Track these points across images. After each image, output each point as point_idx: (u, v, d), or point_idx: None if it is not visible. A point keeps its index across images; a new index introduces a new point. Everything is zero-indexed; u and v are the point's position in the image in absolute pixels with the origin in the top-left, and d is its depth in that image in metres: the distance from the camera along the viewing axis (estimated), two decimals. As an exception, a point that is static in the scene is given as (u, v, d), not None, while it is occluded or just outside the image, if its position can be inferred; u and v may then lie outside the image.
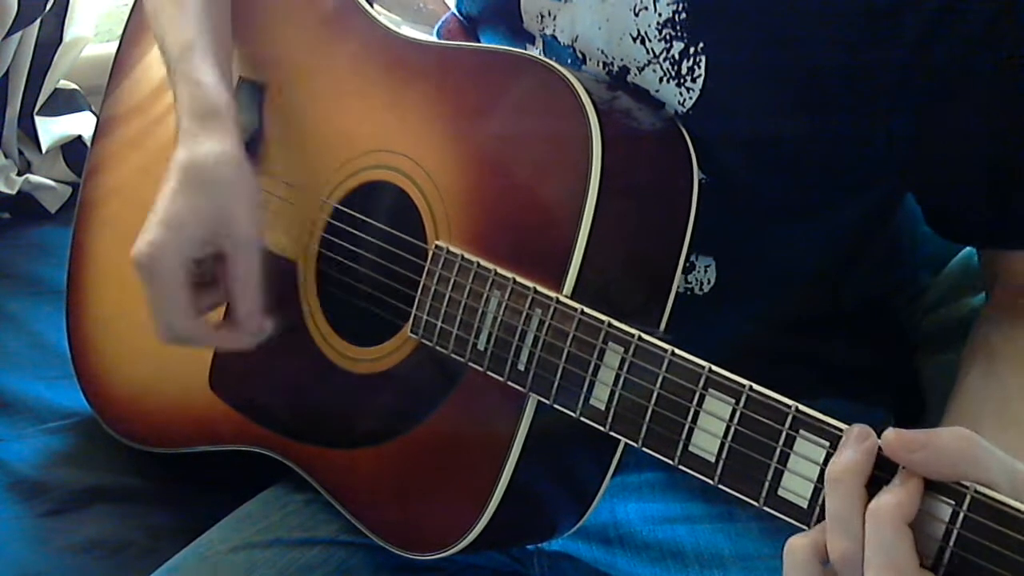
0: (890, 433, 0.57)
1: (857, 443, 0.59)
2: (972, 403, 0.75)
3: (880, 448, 0.58)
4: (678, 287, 0.78)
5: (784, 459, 0.63)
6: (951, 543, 0.57)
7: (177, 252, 0.83)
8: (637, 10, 0.80)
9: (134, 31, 1.12)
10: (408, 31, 0.89)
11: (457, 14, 0.99)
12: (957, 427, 0.57)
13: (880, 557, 0.56)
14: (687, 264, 0.83)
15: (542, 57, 0.80)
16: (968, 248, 0.98)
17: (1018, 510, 0.56)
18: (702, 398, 0.66)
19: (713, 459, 0.66)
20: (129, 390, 1.07)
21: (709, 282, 0.87)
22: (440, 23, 1.01)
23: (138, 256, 0.83)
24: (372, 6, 0.92)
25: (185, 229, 0.83)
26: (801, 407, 0.63)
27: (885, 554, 0.56)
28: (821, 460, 0.62)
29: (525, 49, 0.89)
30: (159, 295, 0.84)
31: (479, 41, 0.96)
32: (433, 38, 0.99)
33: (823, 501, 0.61)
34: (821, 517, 0.61)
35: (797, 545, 0.60)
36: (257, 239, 0.86)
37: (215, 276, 0.86)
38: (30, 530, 1.03)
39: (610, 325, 0.71)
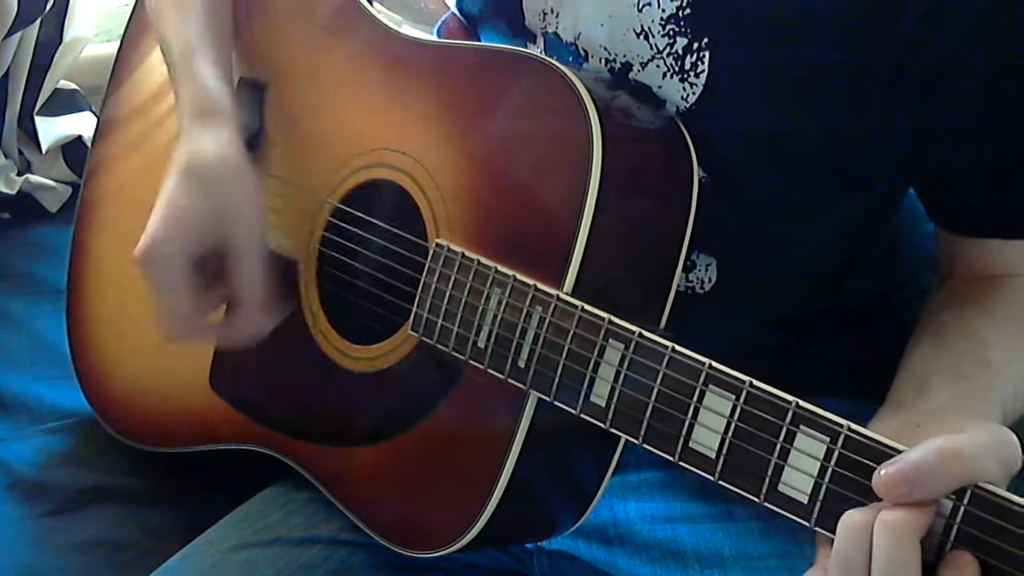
0: (877, 479, 0.58)
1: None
2: (922, 365, 0.75)
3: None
4: (678, 285, 0.78)
5: (784, 455, 0.63)
6: (952, 538, 0.58)
7: (180, 250, 0.83)
8: (641, 6, 0.80)
9: (135, 31, 1.12)
10: (408, 30, 0.89)
11: (457, 13, 0.99)
12: (935, 443, 0.58)
13: (886, 571, 0.57)
14: (687, 262, 0.83)
15: (543, 56, 0.80)
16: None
17: (1018, 504, 0.56)
18: (702, 394, 0.67)
19: (713, 455, 0.66)
20: (129, 390, 1.07)
21: (710, 280, 0.87)
22: (440, 22, 1.01)
23: (142, 254, 0.84)
24: (372, 5, 0.92)
25: (188, 227, 0.83)
26: (802, 403, 0.63)
27: (891, 570, 0.57)
28: (822, 456, 0.62)
29: (526, 47, 0.90)
30: (162, 292, 0.84)
31: (479, 40, 0.96)
32: (434, 37, 0.99)
33: (823, 497, 0.62)
34: (821, 513, 0.62)
35: None
36: (259, 237, 0.86)
37: (217, 274, 0.86)
38: (30, 530, 1.03)
39: (610, 322, 0.71)
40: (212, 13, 0.93)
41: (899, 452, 0.59)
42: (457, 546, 0.79)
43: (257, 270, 0.85)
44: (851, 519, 0.59)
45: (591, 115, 0.74)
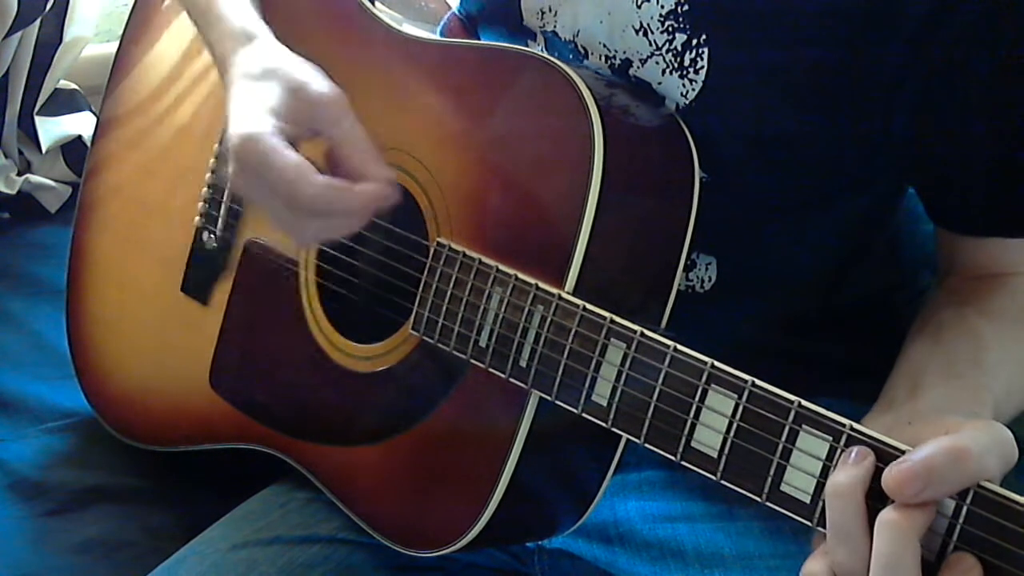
0: (888, 479, 0.58)
1: (857, 461, 0.60)
2: (916, 363, 0.75)
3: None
4: (679, 285, 0.78)
5: (787, 455, 0.63)
6: (954, 538, 0.58)
7: (273, 132, 0.78)
8: (639, 2, 0.81)
9: (134, 31, 1.12)
10: (409, 29, 0.89)
11: (458, 13, 0.99)
12: (942, 443, 0.58)
13: (886, 571, 0.57)
14: (688, 262, 0.83)
15: (544, 54, 0.80)
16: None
17: (1020, 504, 0.56)
18: (704, 394, 0.67)
19: (715, 455, 0.66)
20: (129, 389, 1.07)
21: (710, 280, 0.87)
22: (442, 24, 1.01)
23: (240, 148, 0.78)
24: (374, 4, 0.92)
25: (272, 110, 0.79)
26: (804, 402, 0.63)
27: (891, 569, 0.57)
28: (824, 455, 0.62)
29: (526, 46, 0.90)
30: (276, 181, 0.77)
31: (479, 39, 0.96)
32: (434, 36, 0.99)
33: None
34: (823, 513, 0.62)
35: (814, 570, 0.61)
36: (342, 97, 0.81)
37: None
38: (30, 530, 1.03)
39: (612, 321, 0.71)
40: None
41: (901, 452, 0.59)
42: (458, 545, 0.79)
43: (358, 129, 0.81)
44: (835, 484, 0.60)
45: (592, 114, 0.74)
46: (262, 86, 0.81)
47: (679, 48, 0.80)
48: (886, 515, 0.57)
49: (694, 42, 0.79)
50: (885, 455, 0.60)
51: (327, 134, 0.81)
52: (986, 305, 0.80)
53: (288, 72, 0.82)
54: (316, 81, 0.81)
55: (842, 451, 0.61)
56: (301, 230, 0.81)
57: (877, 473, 0.59)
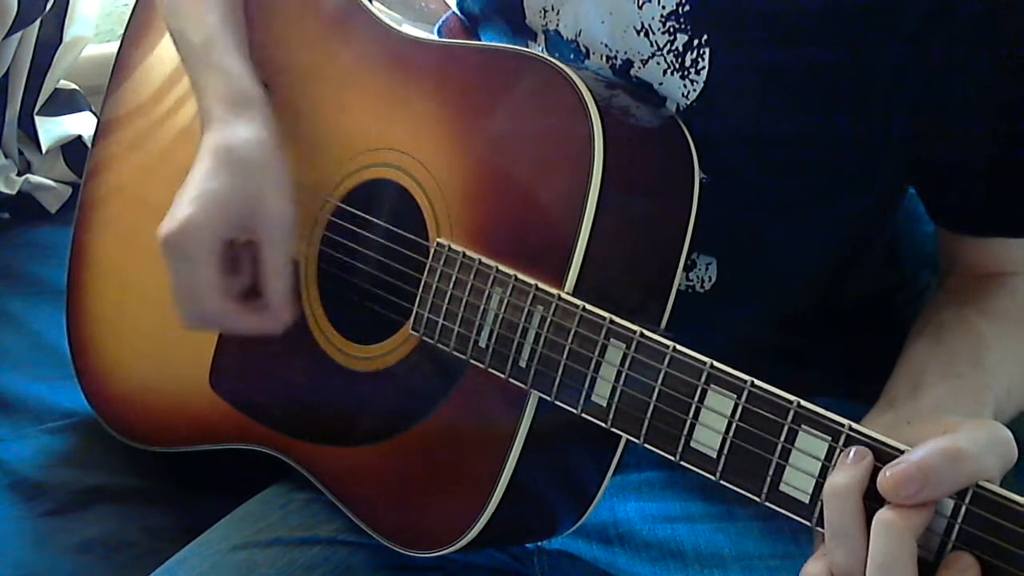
0: (884, 481, 0.58)
1: (855, 462, 0.60)
2: (917, 362, 0.76)
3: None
4: (679, 285, 0.78)
5: (786, 454, 0.63)
6: (952, 537, 0.58)
7: (211, 231, 0.82)
8: (641, 3, 0.81)
9: (134, 31, 1.12)
10: (408, 29, 0.89)
11: (458, 12, 0.99)
12: (939, 444, 0.58)
13: (882, 571, 0.57)
14: (688, 262, 0.83)
15: (544, 55, 0.80)
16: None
17: (1019, 504, 0.56)
18: (704, 394, 0.67)
19: (715, 455, 0.66)
20: (129, 389, 1.07)
21: (710, 280, 0.87)
22: (440, 22, 1.01)
23: (170, 236, 0.82)
24: (373, 4, 0.92)
25: (219, 208, 0.82)
26: (803, 402, 0.63)
27: (887, 569, 0.57)
28: (823, 455, 0.62)
29: (527, 46, 0.90)
30: (188, 275, 0.82)
31: (480, 39, 0.96)
32: (434, 36, 0.99)
33: (825, 497, 0.62)
34: (822, 513, 0.62)
35: (813, 572, 0.61)
36: (291, 224, 0.85)
37: (239, 262, 0.85)
38: (30, 530, 1.03)
39: (612, 322, 0.71)
40: (232, 7, 0.93)
41: (901, 452, 0.59)
42: (457, 546, 0.79)
43: (288, 255, 0.84)
44: (833, 485, 0.60)
45: (593, 115, 0.74)
46: (226, 176, 0.84)
47: (680, 49, 0.80)
48: (883, 515, 0.57)
49: (695, 43, 0.79)
50: (884, 455, 0.60)
51: (260, 242, 0.84)
52: (987, 305, 0.80)
53: (255, 174, 0.84)
54: (274, 194, 0.84)
55: (841, 451, 0.61)
56: (185, 314, 0.86)
57: (875, 473, 0.59)
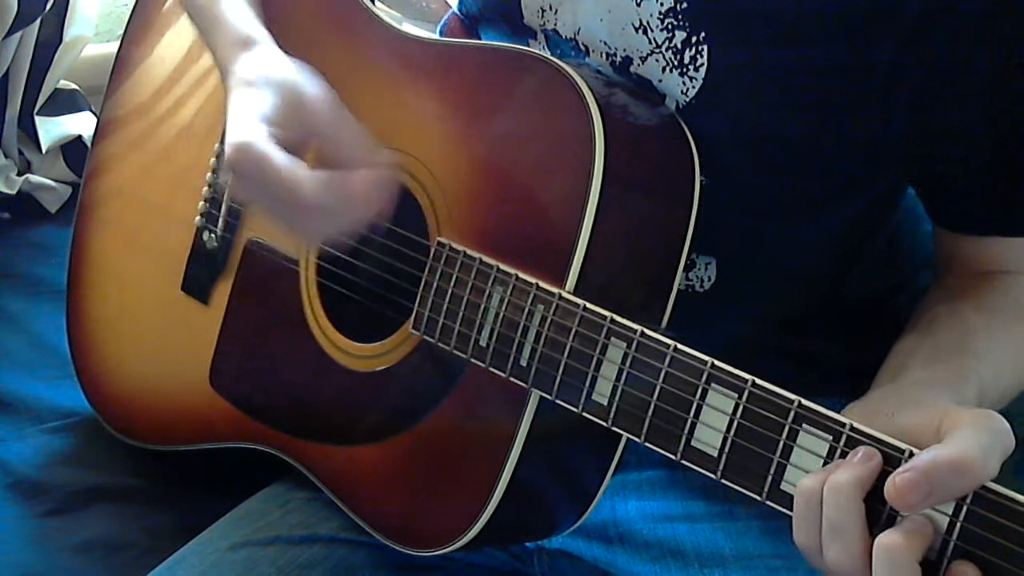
0: (891, 488, 0.58)
1: (863, 461, 0.60)
2: (903, 353, 0.76)
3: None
4: (679, 284, 0.78)
5: (787, 453, 0.63)
6: (954, 537, 0.58)
7: (266, 137, 0.77)
8: (639, 0, 0.81)
9: (135, 31, 1.12)
10: (408, 28, 0.89)
11: (458, 12, 0.99)
12: (945, 453, 0.57)
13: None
14: (688, 262, 0.83)
15: (545, 54, 0.80)
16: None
17: (1021, 503, 0.56)
18: (705, 393, 0.67)
19: (716, 454, 0.66)
20: (129, 389, 1.07)
21: (709, 279, 0.87)
22: (442, 23, 1.01)
23: (235, 157, 0.77)
24: (374, 3, 0.92)
25: (265, 116, 0.79)
26: (804, 401, 0.63)
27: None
28: (824, 454, 0.62)
29: (527, 45, 0.90)
30: (274, 179, 0.77)
31: (480, 38, 0.96)
32: (435, 36, 0.99)
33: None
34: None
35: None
36: (338, 102, 0.81)
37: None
38: (30, 530, 1.03)
39: (612, 321, 0.71)
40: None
41: (902, 451, 0.59)
42: (457, 545, 0.79)
43: (355, 133, 0.81)
44: (804, 486, 0.61)
45: (593, 113, 0.74)
46: (257, 93, 0.82)
47: (679, 46, 0.80)
48: (885, 539, 0.58)
49: (693, 40, 0.79)
50: (884, 454, 0.60)
51: (320, 134, 0.81)
52: (981, 301, 0.80)
53: (282, 78, 0.82)
54: (308, 84, 0.82)
55: (842, 450, 0.61)
56: (305, 229, 0.83)
57: (882, 475, 0.59)
